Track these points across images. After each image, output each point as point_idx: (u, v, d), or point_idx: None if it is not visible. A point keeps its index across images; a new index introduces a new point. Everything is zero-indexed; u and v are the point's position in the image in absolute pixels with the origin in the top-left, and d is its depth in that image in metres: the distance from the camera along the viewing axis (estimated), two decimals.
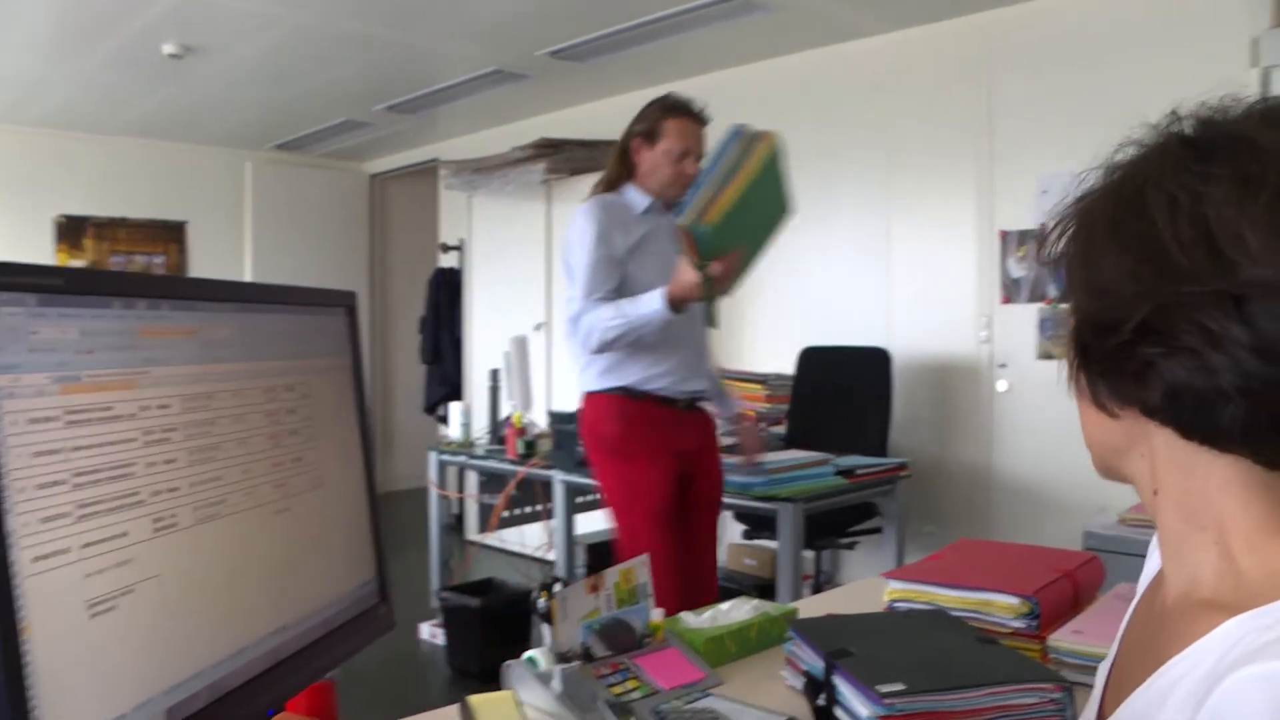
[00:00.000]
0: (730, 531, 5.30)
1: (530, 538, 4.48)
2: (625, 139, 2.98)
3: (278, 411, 1.00)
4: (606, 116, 5.99)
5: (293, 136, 7.08)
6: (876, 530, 4.14)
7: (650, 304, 2.73)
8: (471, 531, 5.60)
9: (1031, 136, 4.38)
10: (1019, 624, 1.45)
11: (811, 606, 1.81)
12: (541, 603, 1.41)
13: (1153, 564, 0.86)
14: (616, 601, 1.52)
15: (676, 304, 2.69)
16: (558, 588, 1.43)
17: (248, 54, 5.00)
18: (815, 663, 1.32)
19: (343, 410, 1.13)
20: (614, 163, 2.99)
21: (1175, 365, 0.66)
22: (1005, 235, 4.48)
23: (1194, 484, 0.71)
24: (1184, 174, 0.67)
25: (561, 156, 5.56)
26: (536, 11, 4.53)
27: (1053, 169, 4.29)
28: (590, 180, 5.52)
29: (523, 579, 4.32)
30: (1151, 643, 0.76)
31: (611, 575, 1.53)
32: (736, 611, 1.66)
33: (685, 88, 5.60)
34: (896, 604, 1.61)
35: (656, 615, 1.57)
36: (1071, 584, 1.55)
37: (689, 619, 1.63)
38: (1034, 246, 4.37)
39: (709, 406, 3.10)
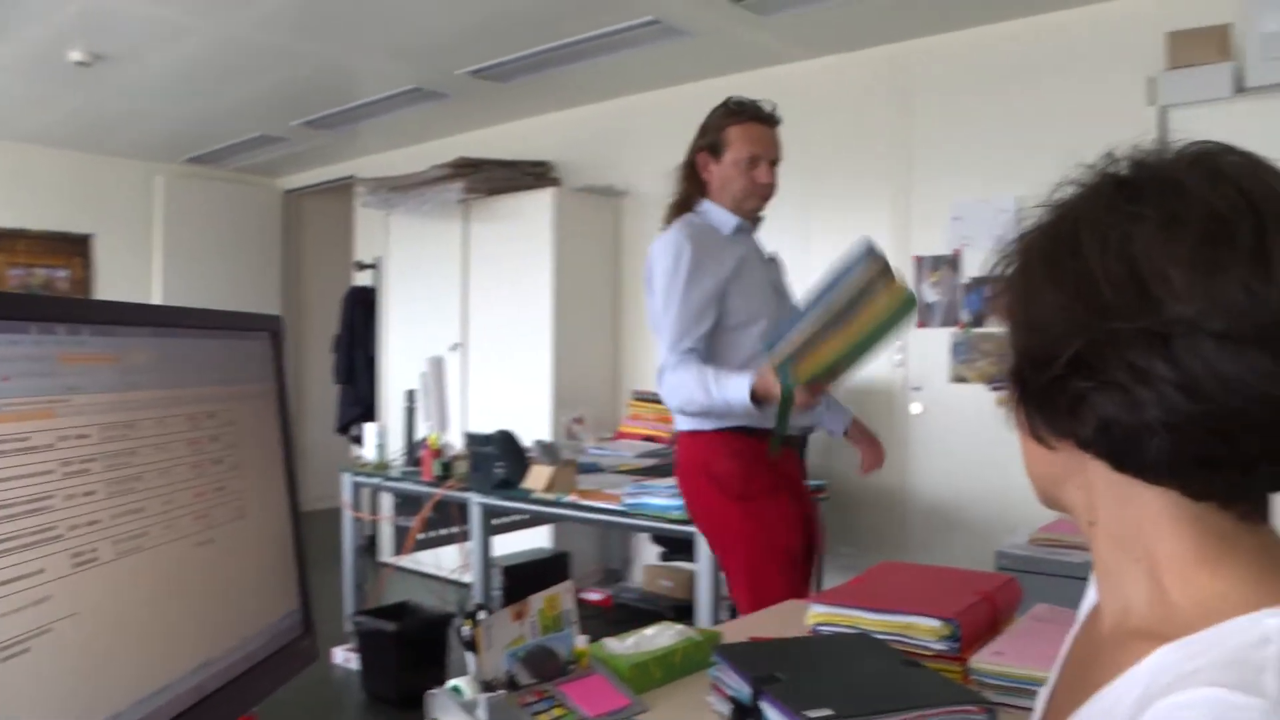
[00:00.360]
0: (647, 553, 5.31)
1: (446, 560, 4.43)
2: (691, 154, 2.72)
3: (200, 440, 0.98)
4: (526, 137, 6.01)
5: (206, 150, 6.94)
6: None
7: (737, 392, 2.42)
8: (386, 554, 5.52)
9: (946, 164, 4.48)
10: (940, 646, 1.47)
11: (734, 630, 1.81)
12: (466, 630, 1.39)
13: (1093, 593, 0.88)
14: (541, 628, 1.50)
15: (760, 401, 2.41)
16: (482, 615, 1.41)
17: (159, 64, 4.89)
18: (742, 689, 1.32)
19: (266, 437, 1.11)
20: (683, 180, 2.73)
21: (1105, 400, 0.68)
22: (920, 260, 4.56)
23: (1127, 515, 0.73)
24: (1115, 214, 0.70)
25: (480, 176, 5.54)
26: (457, 31, 4.51)
27: (966, 197, 4.40)
28: (508, 201, 5.57)
29: (439, 602, 4.26)
30: (1088, 670, 0.78)
31: (536, 602, 1.51)
32: (661, 637, 1.65)
33: (606, 110, 5.68)
34: (820, 628, 1.62)
35: (581, 642, 1.56)
36: (991, 606, 1.58)
37: (613, 645, 1.62)
38: (947, 271, 4.47)
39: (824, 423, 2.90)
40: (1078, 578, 3.20)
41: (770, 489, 2.59)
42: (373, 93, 5.49)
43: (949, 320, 4.47)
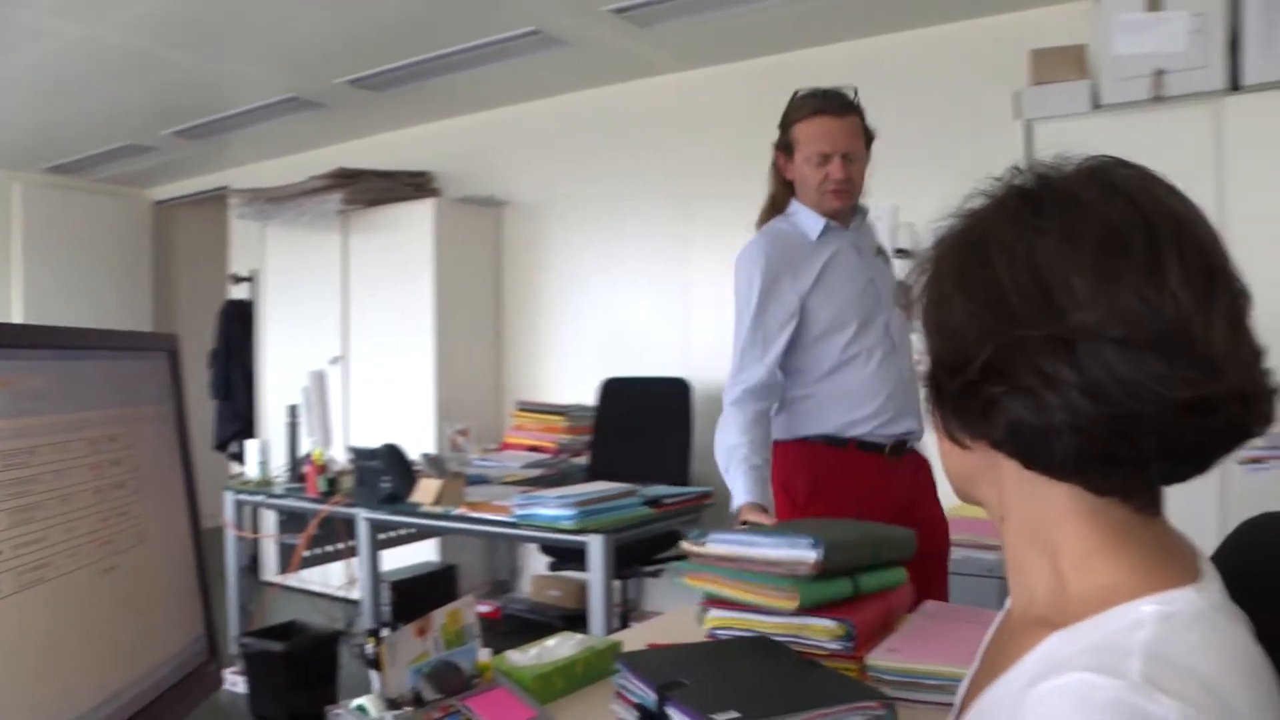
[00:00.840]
0: (535, 563, 5.30)
1: (333, 577, 4.34)
2: (774, 156, 2.60)
3: (101, 464, 0.95)
4: (405, 147, 5.95)
5: (69, 159, 6.64)
6: (682, 557, 4.21)
7: (735, 491, 2.36)
8: (269, 573, 5.39)
9: None
10: (836, 646, 1.51)
11: (632, 638, 1.83)
12: (369, 648, 1.38)
13: None
14: (444, 643, 1.50)
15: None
16: (385, 632, 1.40)
17: (18, 66, 4.66)
18: (647, 695, 1.34)
19: (166, 459, 1.09)
20: (771, 182, 2.61)
21: (1015, 403, 0.73)
22: None
23: (1035, 510, 0.78)
24: (1020, 226, 0.75)
25: (359, 187, 5.45)
26: (335, 40, 4.44)
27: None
28: (388, 212, 5.50)
29: (326, 620, 4.18)
30: (997, 658, 0.83)
31: (439, 617, 1.51)
32: (562, 647, 1.67)
33: (486, 120, 5.66)
34: (718, 632, 1.65)
35: (484, 655, 1.57)
36: (884, 605, 1.63)
37: (515, 656, 1.63)
38: None
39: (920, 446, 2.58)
40: (970, 574, 3.33)
41: (839, 503, 2.37)
42: (248, 101, 5.36)
43: None
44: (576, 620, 4.72)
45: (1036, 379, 0.71)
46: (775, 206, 2.59)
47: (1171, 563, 0.75)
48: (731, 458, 2.37)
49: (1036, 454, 0.74)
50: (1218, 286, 0.70)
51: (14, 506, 0.81)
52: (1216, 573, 0.76)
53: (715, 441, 2.46)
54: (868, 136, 2.54)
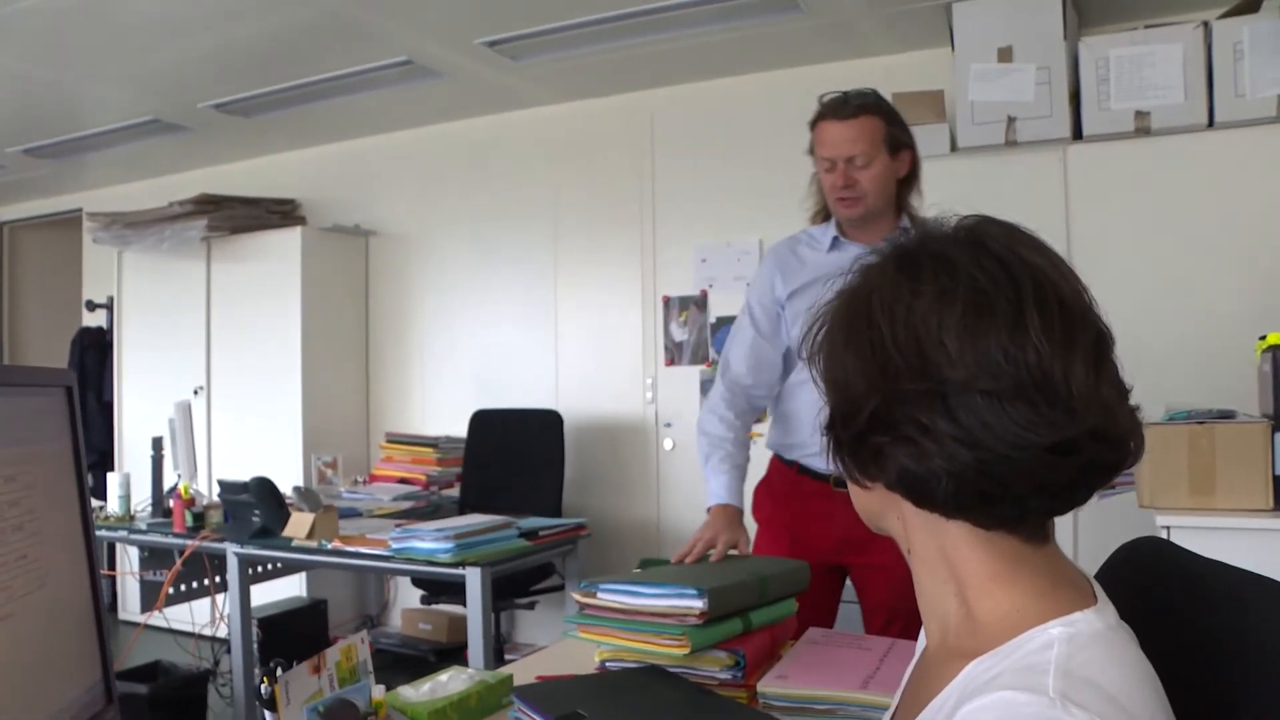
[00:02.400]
0: (405, 597, 5.23)
1: (200, 615, 4.20)
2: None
3: (0, 505, 0.93)
4: (271, 173, 5.83)
5: None
6: (558, 588, 4.23)
7: (709, 491, 2.34)
8: (127, 611, 5.17)
9: (689, 207, 4.71)
10: (726, 675, 1.56)
11: (520, 671, 1.84)
12: (264, 688, 1.36)
13: None
14: (339, 680, 1.49)
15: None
16: (280, 672, 1.38)
17: None
18: None
19: (64, 499, 1.07)
20: (813, 190, 2.48)
21: (899, 451, 0.80)
22: (668, 300, 4.75)
23: (934, 543, 0.84)
24: (899, 289, 0.82)
25: (223, 214, 5.33)
26: (201, 62, 4.33)
27: (710, 239, 4.63)
28: (253, 240, 5.39)
29: (193, 659, 4.04)
30: (919, 690, 0.88)
31: (333, 654, 1.50)
32: (454, 682, 1.67)
33: (356, 148, 5.61)
34: (609, 663, 1.67)
35: (378, 692, 1.56)
36: (769, 634, 1.68)
37: (408, 692, 1.63)
38: (695, 311, 4.67)
39: None
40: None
41: (768, 521, 2.45)
42: (106, 122, 5.16)
43: (698, 358, 4.67)
44: (449, 654, 4.67)
45: (916, 429, 0.78)
46: (821, 213, 2.48)
47: (1067, 586, 0.82)
48: (711, 445, 2.38)
49: (922, 496, 0.81)
50: (1077, 334, 0.77)
51: None
52: (1106, 596, 0.83)
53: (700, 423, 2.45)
54: (895, 140, 2.32)
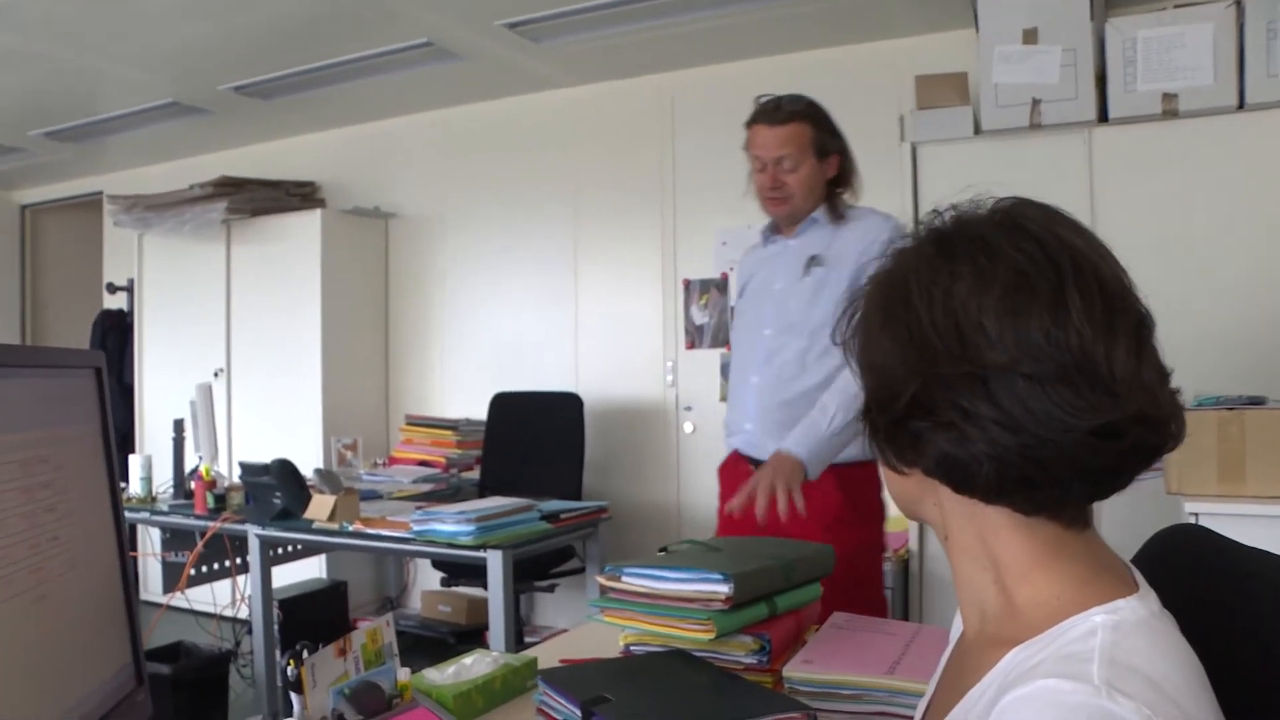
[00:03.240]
0: (425, 579, 5.25)
1: (220, 596, 4.23)
2: None
3: (33, 487, 0.93)
4: (291, 156, 5.83)
5: None
6: (578, 571, 4.23)
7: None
8: (149, 592, 5.20)
9: (710, 190, 4.68)
10: (751, 660, 1.55)
11: (543, 654, 1.84)
12: (290, 670, 1.36)
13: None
14: (364, 663, 1.49)
15: None
16: (306, 654, 1.38)
17: None
18: (571, 712, 1.36)
19: (95, 480, 1.06)
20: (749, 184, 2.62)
21: (939, 436, 0.78)
22: (688, 284, 4.74)
23: (973, 529, 0.83)
24: (937, 271, 0.80)
25: (243, 196, 5.33)
26: (221, 45, 4.34)
27: (730, 222, 4.60)
28: (273, 222, 5.39)
29: (214, 640, 4.06)
30: (957, 678, 0.87)
31: (358, 637, 1.50)
32: (479, 665, 1.67)
33: (377, 130, 5.60)
34: (634, 647, 1.66)
35: (404, 675, 1.56)
36: (794, 618, 1.67)
37: (433, 675, 1.62)
38: (715, 294, 4.65)
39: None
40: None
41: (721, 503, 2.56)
42: (126, 105, 5.17)
43: (718, 341, 4.65)
44: (468, 636, 4.69)
45: (957, 413, 0.77)
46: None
47: (1108, 573, 0.81)
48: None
49: (963, 481, 0.80)
50: (1118, 316, 0.76)
51: None
52: (1148, 583, 0.82)
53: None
54: (823, 145, 2.50)
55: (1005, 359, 0.75)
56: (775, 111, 2.47)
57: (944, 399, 0.77)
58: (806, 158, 2.46)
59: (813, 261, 2.50)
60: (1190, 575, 0.92)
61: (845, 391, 2.31)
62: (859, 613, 2.35)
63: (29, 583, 0.90)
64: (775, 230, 2.60)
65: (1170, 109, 3.37)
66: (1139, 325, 0.78)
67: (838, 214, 2.51)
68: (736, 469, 2.56)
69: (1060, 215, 0.82)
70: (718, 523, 2.62)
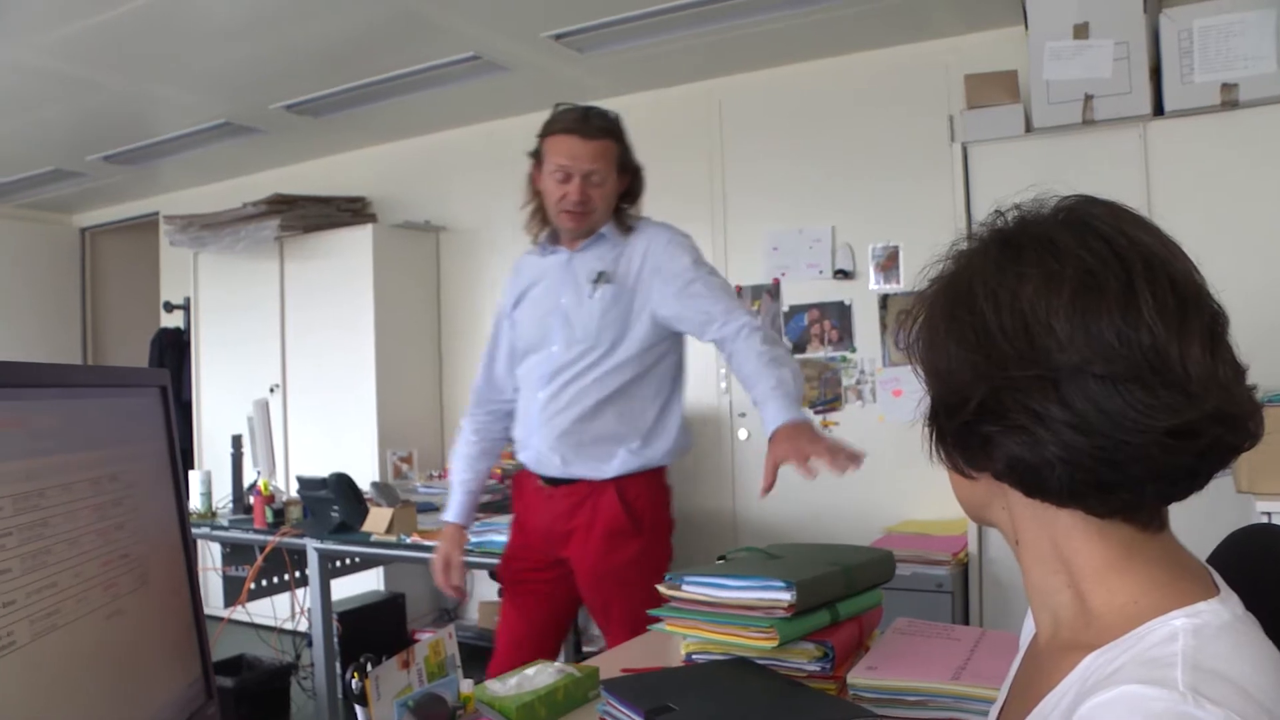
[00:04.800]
0: (485, 589, 5.26)
1: (280, 609, 4.28)
2: (530, 165, 2.57)
3: (104, 505, 0.94)
4: (342, 172, 5.89)
5: None
6: None
7: (447, 510, 2.75)
8: (212, 606, 5.28)
9: (760, 195, 4.66)
10: (815, 667, 1.53)
11: (605, 664, 1.83)
12: (355, 683, 1.37)
13: (1031, 623, 0.96)
14: (427, 675, 1.50)
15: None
16: (370, 667, 1.39)
17: None
18: None
19: (162, 497, 1.08)
20: (528, 191, 2.59)
21: (1010, 440, 0.77)
22: (740, 289, 4.71)
23: (1044, 533, 0.82)
24: (1003, 272, 0.79)
25: (295, 213, 5.40)
26: (271, 65, 4.40)
27: (780, 227, 4.58)
28: (325, 238, 5.45)
29: (275, 653, 4.11)
30: (1030, 685, 0.85)
31: (421, 649, 1.51)
32: (541, 675, 1.66)
33: (425, 144, 5.64)
34: (696, 655, 1.66)
35: (466, 686, 1.56)
36: (857, 624, 1.66)
37: (495, 686, 1.63)
38: (767, 300, 4.63)
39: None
40: (917, 590, 3.38)
41: (515, 513, 2.68)
42: (179, 127, 5.27)
43: None
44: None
45: (1028, 416, 0.75)
46: (538, 216, 2.59)
47: (1187, 576, 0.79)
48: (454, 470, 2.77)
49: (1035, 485, 0.78)
50: (1191, 313, 0.74)
51: (28, 552, 0.80)
52: (1229, 586, 0.80)
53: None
54: (625, 165, 2.53)
55: (1076, 360, 0.73)
56: (586, 124, 2.44)
57: (1014, 402, 0.76)
58: (612, 173, 2.47)
59: (601, 278, 2.50)
60: (1267, 578, 0.90)
61: (781, 362, 2.37)
62: (633, 624, 2.42)
63: (103, 599, 0.91)
64: (554, 240, 2.58)
65: (1230, 99, 3.30)
66: (1213, 322, 0.76)
67: (626, 228, 2.54)
68: (525, 484, 2.60)
69: (1127, 212, 0.81)
70: (510, 534, 2.69)
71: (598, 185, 2.44)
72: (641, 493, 2.51)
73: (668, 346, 2.54)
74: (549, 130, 2.47)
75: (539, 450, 2.51)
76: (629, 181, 2.54)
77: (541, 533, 2.55)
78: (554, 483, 2.52)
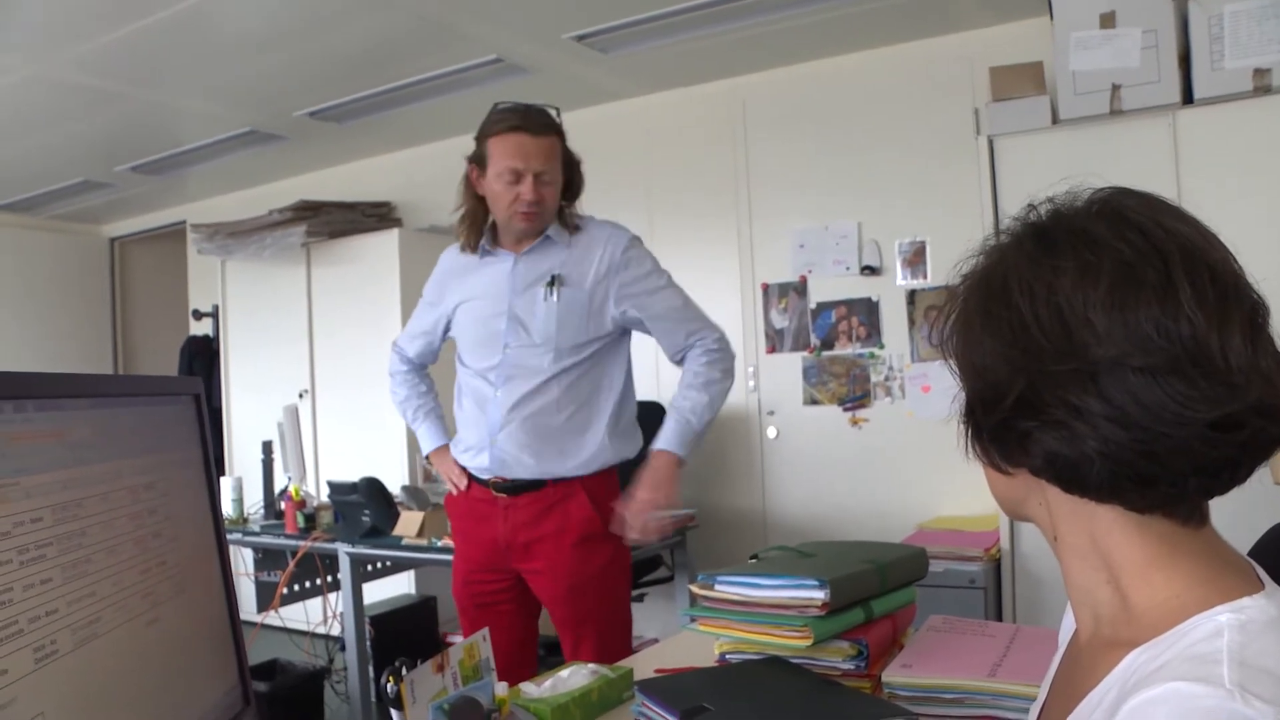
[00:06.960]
0: None
1: (313, 614, 4.30)
2: (467, 169, 2.49)
3: (141, 513, 0.95)
4: (366, 177, 5.92)
5: (21, 196, 6.53)
6: (667, 580, 4.22)
7: (424, 440, 2.76)
8: (245, 611, 5.32)
9: (786, 192, 4.64)
10: (849, 666, 1.52)
11: (638, 664, 1.83)
12: (390, 687, 1.37)
13: (1070, 619, 0.95)
14: (462, 678, 1.50)
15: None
16: (405, 671, 1.39)
17: None
18: None
19: (197, 505, 1.08)
20: (463, 196, 2.52)
21: (1048, 435, 0.76)
22: (767, 288, 4.70)
23: (1083, 529, 0.81)
24: (1038, 266, 0.78)
25: (321, 219, 5.42)
26: (294, 72, 4.42)
27: (807, 224, 4.56)
28: (351, 243, 5.47)
29: (308, 657, 4.13)
30: (1071, 682, 0.85)
31: (456, 652, 1.51)
32: (575, 677, 1.67)
33: (447, 149, 5.65)
34: (729, 655, 1.65)
35: (501, 689, 1.56)
36: (891, 622, 1.65)
37: (530, 689, 1.63)
38: (795, 297, 4.62)
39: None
40: (950, 586, 3.36)
41: (457, 520, 2.66)
42: (205, 136, 5.31)
43: (799, 345, 4.61)
44: (557, 648, 4.69)
45: (1066, 411, 0.74)
46: (474, 221, 2.54)
47: (1230, 571, 0.77)
48: (409, 405, 2.82)
49: (1074, 480, 0.77)
50: (1230, 304, 0.73)
51: (68, 561, 0.81)
52: (1275, 582, 0.78)
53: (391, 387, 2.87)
54: (568, 160, 2.49)
55: (1115, 353, 0.72)
56: (533, 120, 2.38)
57: (1052, 397, 0.75)
58: (558, 172, 2.44)
59: (556, 280, 2.46)
60: None
61: (706, 388, 2.48)
62: (610, 631, 2.50)
63: (141, 607, 0.91)
64: (495, 242, 2.53)
65: (1262, 85, 3.26)
66: (1253, 312, 0.74)
67: (573, 226, 2.52)
68: (472, 499, 2.56)
69: (1163, 203, 0.80)
70: (458, 554, 2.65)
71: (548, 184, 2.41)
72: (610, 494, 2.49)
73: (621, 339, 2.57)
74: (492, 131, 2.40)
75: (506, 451, 2.45)
76: (569, 176, 2.50)
77: (499, 547, 2.49)
78: (514, 491, 2.46)
